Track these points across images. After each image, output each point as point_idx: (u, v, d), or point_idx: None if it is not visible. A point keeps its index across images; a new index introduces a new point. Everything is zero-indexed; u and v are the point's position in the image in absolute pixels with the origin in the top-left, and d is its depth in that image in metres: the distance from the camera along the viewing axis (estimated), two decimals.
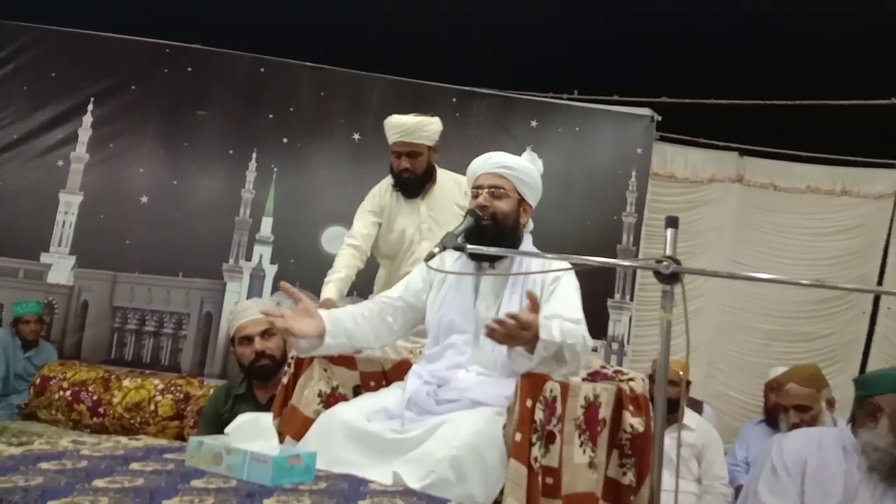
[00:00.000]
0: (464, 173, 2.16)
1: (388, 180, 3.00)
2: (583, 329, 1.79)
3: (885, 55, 4.62)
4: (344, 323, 1.94)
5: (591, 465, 1.73)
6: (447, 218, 2.85)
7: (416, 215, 2.93)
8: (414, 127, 2.82)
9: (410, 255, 2.89)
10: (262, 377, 2.55)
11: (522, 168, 2.03)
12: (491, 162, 2.03)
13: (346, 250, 2.91)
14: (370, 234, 2.93)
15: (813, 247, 5.53)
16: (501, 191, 1.99)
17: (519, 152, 2.10)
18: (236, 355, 2.63)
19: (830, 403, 2.98)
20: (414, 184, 2.89)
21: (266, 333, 2.57)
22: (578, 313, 1.86)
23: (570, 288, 1.94)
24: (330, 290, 2.77)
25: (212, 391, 3.14)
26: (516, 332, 1.61)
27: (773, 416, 3.51)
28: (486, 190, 1.99)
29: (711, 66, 4.89)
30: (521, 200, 2.02)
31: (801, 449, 2.06)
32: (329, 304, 2.58)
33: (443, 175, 2.99)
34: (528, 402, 1.61)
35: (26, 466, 1.32)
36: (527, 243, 2.05)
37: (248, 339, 2.56)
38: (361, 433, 1.69)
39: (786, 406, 2.93)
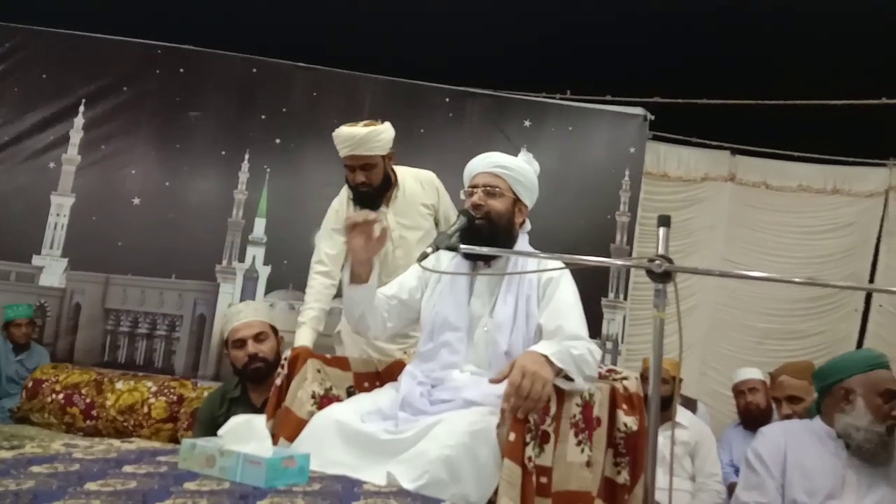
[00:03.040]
0: (458, 174, 2.15)
1: (346, 192, 2.85)
2: (586, 343, 1.79)
3: (876, 55, 4.64)
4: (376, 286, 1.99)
5: (589, 464, 1.73)
6: (416, 221, 2.78)
7: (387, 222, 2.78)
8: (364, 139, 2.61)
9: (385, 267, 2.67)
10: (255, 380, 2.56)
11: (518, 168, 2.03)
12: (487, 161, 2.04)
13: (315, 280, 2.73)
14: (339, 253, 2.73)
15: (805, 245, 5.55)
16: (496, 190, 2.00)
17: (512, 152, 2.10)
18: (230, 358, 2.63)
19: None
20: (373, 196, 2.72)
21: (259, 336, 2.57)
22: (579, 327, 1.87)
23: (567, 293, 1.94)
24: (304, 335, 2.59)
25: (205, 393, 3.14)
26: (521, 402, 1.56)
27: (746, 418, 3.55)
28: (480, 189, 2.00)
29: (704, 66, 4.91)
30: (517, 200, 2.03)
31: (778, 442, 2.08)
32: (305, 353, 2.16)
33: (405, 176, 2.82)
34: None
35: (17, 470, 1.32)
36: (522, 243, 2.05)
37: (242, 342, 2.56)
38: (355, 434, 1.69)
39: (779, 398, 2.98)
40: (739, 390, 3.65)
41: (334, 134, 2.69)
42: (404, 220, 2.79)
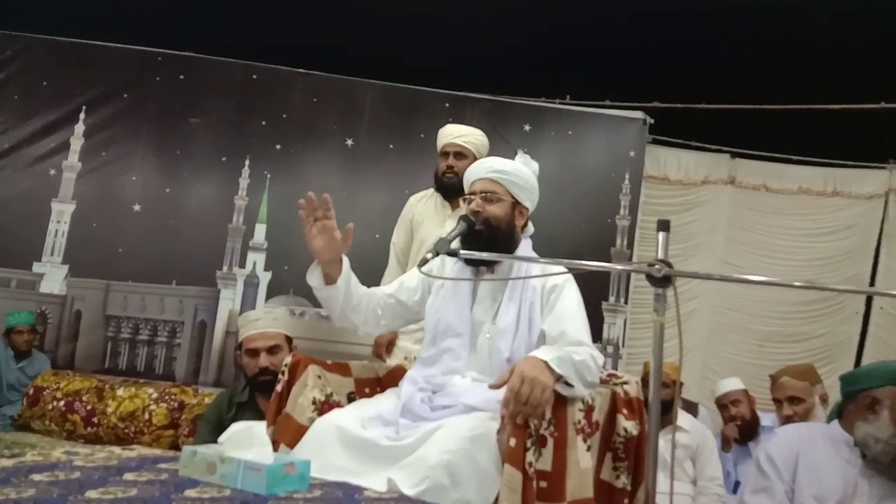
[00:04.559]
0: None
1: (429, 190, 3.15)
2: (589, 349, 1.79)
3: (875, 59, 4.65)
4: (351, 285, 1.91)
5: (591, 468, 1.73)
6: None
7: (440, 227, 2.94)
8: (465, 131, 3.06)
9: None
10: (263, 391, 2.55)
11: (515, 171, 2.03)
12: (484, 167, 2.05)
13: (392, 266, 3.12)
14: (408, 244, 3.11)
15: (805, 247, 5.55)
16: (494, 195, 2.00)
17: (512, 157, 2.11)
18: (241, 363, 2.63)
19: (823, 399, 3.02)
20: (455, 185, 2.91)
21: (273, 349, 2.57)
22: (582, 333, 1.87)
23: (571, 300, 1.93)
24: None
25: (206, 400, 3.14)
26: (520, 408, 1.57)
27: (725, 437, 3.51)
28: (478, 195, 2.00)
29: (703, 70, 4.91)
30: (516, 203, 2.02)
31: (792, 443, 2.05)
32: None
33: None
34: None
35: (18, 478, 1.31)
36: (525, 247, 2.05)
37: (255, 353, 2.56)
38: (356, 440, 1.69)
39: (779, 399, 2.97)
40: (722, 404, 3.56)
41: (440, 131, 3.11)
42: None
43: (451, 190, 2.99)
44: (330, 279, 1.87)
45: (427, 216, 3.06)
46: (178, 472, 1.43)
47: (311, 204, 1.81)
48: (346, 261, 1.89)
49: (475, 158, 2.93)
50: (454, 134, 3.04)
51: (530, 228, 2.09)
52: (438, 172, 3.07)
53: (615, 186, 5.09)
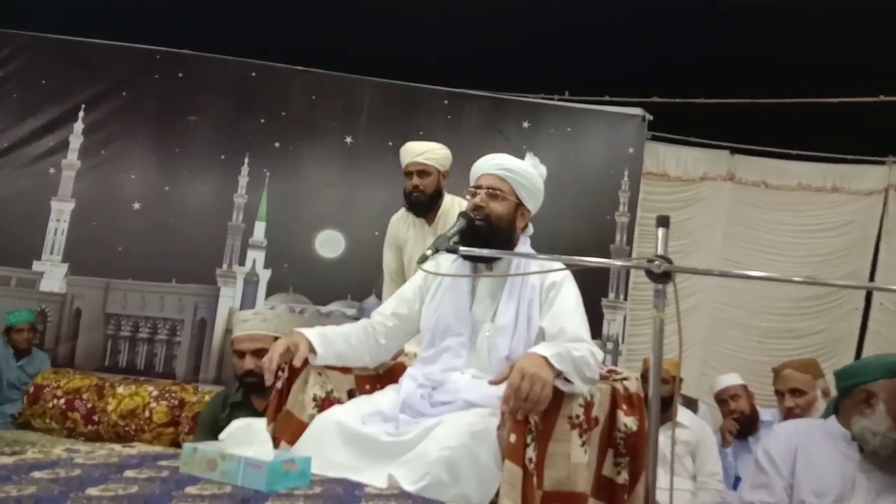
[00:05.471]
0: (457, 175, 2.16)
1: (402, 210, 3.18)
2: (588, 345, 1.78)
3: (874, 53, 4.64)
4: (336, 346, 1.96)
5: (589, 464, 1.73)
6: None
7: (423, 243, 2.98)
8: (423, 149, 3.05)
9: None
10: (250, 391, 2.57)
11: (523, 172, 2.01)
12: (493, 163, 2.02)
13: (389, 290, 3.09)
14: (400, 265, 3.16)
15: (805, 243, 5.55)
16: (499, 192, 1.98)
17: (512, 153, 2.08)
18: (233, 362, 2.65)
19: (826, 393, 3.03)
20: (424, 203, 3.04)
21: (259, 352, 2.55)
22: (581, 329, 1.87)
23: (569, 297, 1.93)
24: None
25: (206, 397, 3.15)
26: (521, 404, 1.57)
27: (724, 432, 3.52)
28: (483, 190, 1.99)
29: (702, 66, 4.91)
30: (519, 205, 2.01)
31: (790, 439, 2.05)
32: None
33: (449, 201, 3.10)
34: None
35: (19, 476, 1.32)
36: (524, 247, 2.04)
37: (241, 354, 2.58)
38: (356, 436, 1.69)
39: (782, 391, 2.98)
40: (721, 399, 3.56)
41: (401, 149, 3.11)
42: None
43: (421, 208, 3.06)
44: (313, 355, 1.94)
45: (409, 236, 3.11)
46: (179, 469, 1.43)
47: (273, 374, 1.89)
48: (314, 340, 1.92)
49: (439, 173, 3.04)
50: (416, 152, 3.05)
51: (530, 229, 2.08)
52: (406, 191, 3.08)
53: (614, 183, 5.10)
